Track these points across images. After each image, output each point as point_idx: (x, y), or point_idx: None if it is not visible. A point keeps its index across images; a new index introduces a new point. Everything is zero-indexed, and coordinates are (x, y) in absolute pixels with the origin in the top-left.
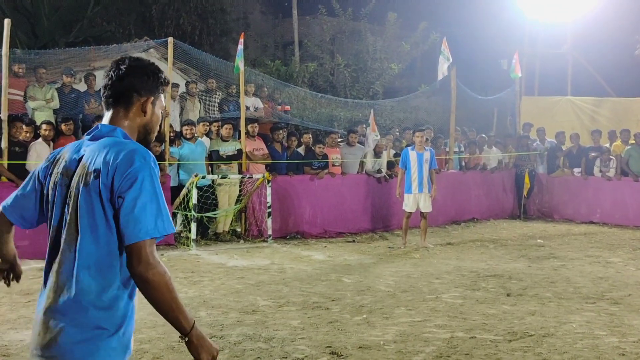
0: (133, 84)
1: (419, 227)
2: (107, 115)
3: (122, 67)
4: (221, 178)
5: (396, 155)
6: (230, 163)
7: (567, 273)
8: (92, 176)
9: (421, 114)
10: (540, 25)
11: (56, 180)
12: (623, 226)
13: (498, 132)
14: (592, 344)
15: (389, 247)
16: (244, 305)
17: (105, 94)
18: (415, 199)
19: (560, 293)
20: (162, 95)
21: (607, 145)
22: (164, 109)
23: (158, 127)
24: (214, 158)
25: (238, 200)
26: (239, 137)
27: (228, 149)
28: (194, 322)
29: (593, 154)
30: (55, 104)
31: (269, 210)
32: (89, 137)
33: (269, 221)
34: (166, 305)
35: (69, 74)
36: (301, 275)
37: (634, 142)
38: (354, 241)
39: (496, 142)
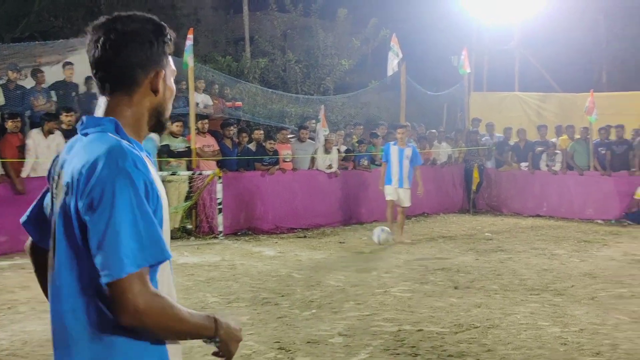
0: (133, 58)
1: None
2: (102, 103)
3: (113, 35)
4: (170, 175)
5: (347, 151)
6: (180, 159)
7: (513, 265)
8: (63, 191)
9: (372, 109)
10: (488, 22)
11: (50, 188)
12: (568, 219)
13: (448, 127)
14: (536, 334)
15: (340, 242)
16: (192, 302)
17: (96, 76)
18: (395, 191)
19: (506, 285)
20: (170, 58)
21: (554, 140)
22: (174, 72)
23: (172, 101)
24: (164, 153)
25: (188, 197)
26: (189, 134)
27: (179, 145)
28: (215, 318)
29: (540, 149)
30: (0, 100)
31: (220, 206)
32: (81, 131)
33: (220, 218)
34: (179, 334)
35: (14, 69)
36: (251, 272)
37: (579, 136)
38: (305, 237)
39: (446, 137)
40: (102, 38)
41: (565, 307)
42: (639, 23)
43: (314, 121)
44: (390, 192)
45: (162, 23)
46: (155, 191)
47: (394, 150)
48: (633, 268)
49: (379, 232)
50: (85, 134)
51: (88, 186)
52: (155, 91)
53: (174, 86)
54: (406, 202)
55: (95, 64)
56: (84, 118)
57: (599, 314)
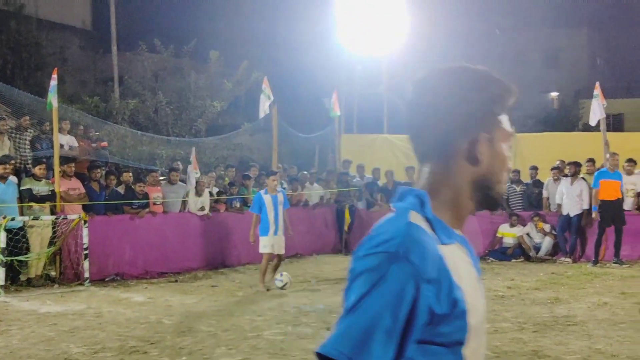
0: (445, 120)
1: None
2: (423, 172)
3: (420, 92)
4: (33, 219)
5: (219, 193)
6: (44, 204)
7: None
8: None
9: (245, 151)
10: (358, 66)
11: None
12: None
13: (319, 168)
14: None
15: (213, 286)
16: (55, 354)
17: (410, 140)
18: (272, 241)
19: None
20: (504, 118)
21: None
22: (510, 136)
23: (507, 167)
24: (26, 198)
25: (52, 243)
26: (53, 176)
27: (42, 188)
28: None
29: None
30: None
31: (86, 252)
32: (392, 204)
33: (86, 263)
34: None
35: None
36: (119, 319)
37: None
38: (176, 281)
39: (318, 178)
40: (410, 96)
41: None
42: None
43: (179, 163)
44: (267, 243)
45: (489, 74)
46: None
47: (267, 198)
48: (496, 303)
49: (281, 278)
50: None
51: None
52: (474, 160)
53: (506, 153)
54: (283, 249)
55: (407, 127)
56: (399, 188)
57: None
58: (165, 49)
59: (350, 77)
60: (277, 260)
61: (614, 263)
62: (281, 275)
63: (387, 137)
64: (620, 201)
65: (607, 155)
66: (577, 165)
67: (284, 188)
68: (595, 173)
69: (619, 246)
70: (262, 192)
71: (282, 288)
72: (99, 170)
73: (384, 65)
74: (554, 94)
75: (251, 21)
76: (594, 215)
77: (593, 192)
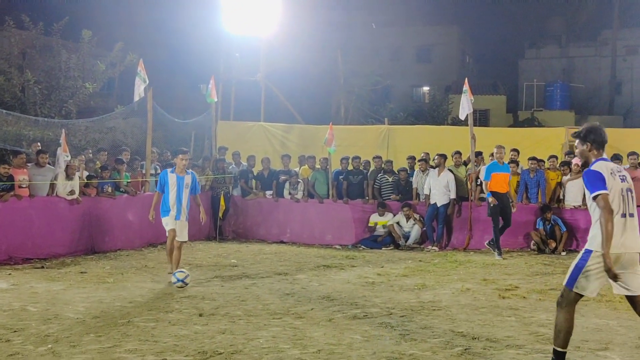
0: None
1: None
2: None
3: None
4: None
5: (90, 177)
6: None
7: (257, 291)
8: None
9: (118, 135)
10: (236, 53)
11: None
12: (310, 245)
13: (195, 155)
14: (277, 357)
15: (82, 272)
16: None
17: None
18: (173, 223)
19: (250, 310)
20: None
21: (296, 169)
22: None
23: None
24: None
25: None
26: None
27: None
28: None
29: (283, 177)
30: None
31: None
32: None
33: None
34: None
35: None
36: None
37: (319, 166)
38: (42, 267)
39: (193, 164)
40: None
41: (305, 330)
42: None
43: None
44: (168, 222)
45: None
46: None
47: (172, 178)
48: (366, 290)
49: (181, 278)
50: None
51: None
52: None
53: None
54: (185, 236)
55: None
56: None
57: (335, 334)
58: (34, 25)
59: (228, 64)
60: (177, 252)
61: (487, 244)
62: (182, 275)
63: (263, 125)
64: (508, 194)
65: (495, 149)
66: (443, 157)
67: (158, 173)
68: (487, 165)
69: (498, 235)
70: (168, 170)
71: (177, 285)
72: None
73: (262, 53)
74: (426, 89)
75: (127, 1)
76: (490, 200)
77: (484, 183)
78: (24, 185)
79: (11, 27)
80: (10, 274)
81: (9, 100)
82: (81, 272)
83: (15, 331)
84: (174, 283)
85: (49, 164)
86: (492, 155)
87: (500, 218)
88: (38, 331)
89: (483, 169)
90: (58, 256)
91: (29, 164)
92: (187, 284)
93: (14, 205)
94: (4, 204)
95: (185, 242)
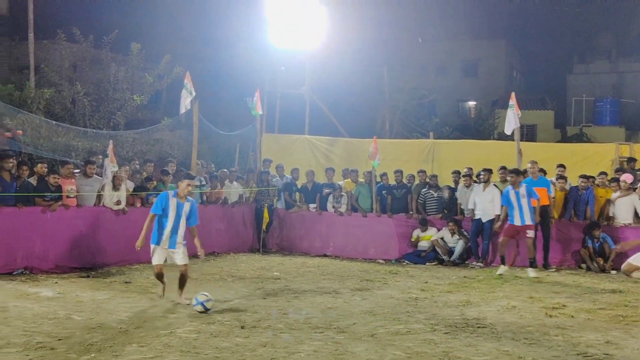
0: None
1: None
2: None
3: None
4: None
5: (137, 188)
6: None
7: (299, 304)
8: None
9: (164, 146)
10: (281, 66)
11: None
12: (353, 259)
13: (240, 167)
14: None
15: (126, 282)
16: None
17: None
18: (164, 253)
19: (292, 324)
20: None
21: (340, 182)
22: None
23: None
24: None
25: None
26: None
27: None
28: None
29: (327, 191)
30: None
31: None
32: None
33: None
34: None
35: None
36: (26, 314)
37: (362, 180)
38: (88, 276)
39: (237, 177)
40: None
41: (347, 345)
42: (417, 76)
43: (100, 156)
44: (160, 253)
45: None
46: None
47: (172, 202)
48: (409, 305)
49: (202, 300)
50: None
51: None
52: None
53: None
54: (186, 259)
55: None
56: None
57: (377, 350)
58: (84, 38)
59: (273, 77)
60: (182, 277)
61: (543, 267)
62: (204, 298)
63: (307, 138)
64: (547, 207)
65: (529, 165)
66: (489, 172)
67: (204, 185)
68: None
69: (547, 251)
70: (170, 193)
71: (197, 309)
72: (11, 160)
73: (307, 67)
74: (472, 103)
75: (175, 15)
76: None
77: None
78: (71, 195)
79: (62, 40)
80: (56, 283)
81: (59, 112)
82: (125, 282)
83: (59, 339)
84: (194, 306)
85: (96, 174)
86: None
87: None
88: (82, 340)
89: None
90: (103, 266)
91: (76, 174)
92: (208, 309)
93: (61, 214)
94: (52, 213)
95: (187, 264)
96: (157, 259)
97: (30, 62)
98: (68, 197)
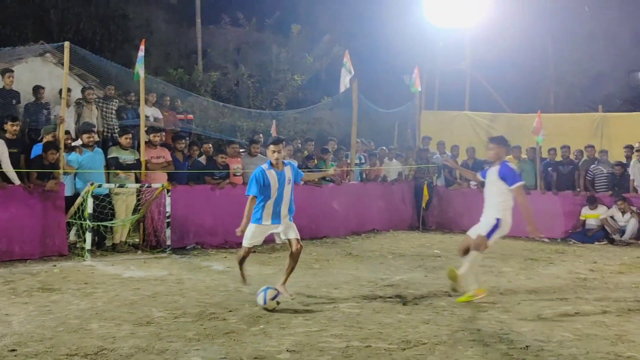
0: None
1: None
2: None
3: None
4: (118, 187)
5: (299, 166)
6: (129, 172)
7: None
8: None
9: (324, 125)
10: (440, 42)
11: None
12: (516, 237)
13: (399, 144)
14: (482, 351)
15: None
16: (138, 317)
17: None
18: (261, 234)
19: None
20: None
21: None
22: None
23: None
24: (112, 166)
25: (136, 210)
26: (139, 146)
27: (127, 157)
28: None
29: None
30: None
31: (168, 220)
32: None
33: (168, 231)
34: None
35: None
36: (199, 286)
37: (525, 156)
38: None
39: (397, 154)
40: None
41: (512, 324)
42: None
43: (261, 135)
44: (259, 232)
45: None
46: None
47: (271, 175)
48: (577, 286)
49: (264, 294)
50: None
51: None
52: None
53: None
54: (297, 234)
55: None
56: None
57: (544, 331)
58: (247, 22)
59: (432, 53)
60: (289, 260)
61: None
62: (273, 293)
63: (467, 114)
64: None
65: None
66: None
67: (363, 162)
68: None
69: None
70: (264, 166)
71: (263, 306)
72: (183, 140)
73: (467, 41)
74: None
75: None
76: None
77: None
78: (238, 174)
79: (227, 24)
80: (225, 257)
81: (224, 94)
82: None
83: (230, 311)
84: (260, 304)
85: (260, 153)
86: None
87: None
88: (251, 312)
89: None
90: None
91: (242, 153)
92: (270, 309)
93: (229, 192)
94: (221, 191)
95: (298, 243)
96: (248, 241)
97: (198, 47)
98: (235, 175)
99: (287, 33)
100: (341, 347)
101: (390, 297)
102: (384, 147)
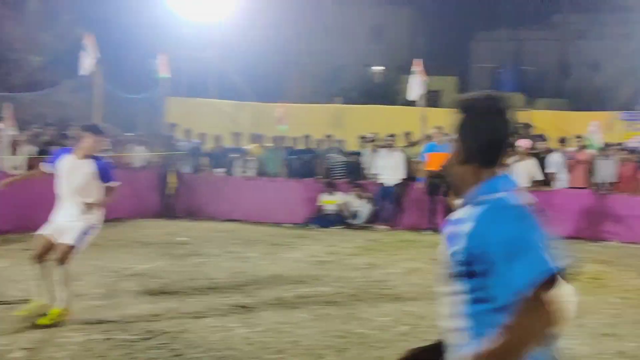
0: None
1: None
2: None
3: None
4: None
5: (42, 152)
6: None
7: (207, 269)
8: None
9: (66, 109)
10: (187, 28)
11: None
12: (260, 223)
13: (144, 131)
14: (225, 336)
15: (24, 250)
16: None
17: None
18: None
19: (199, 289)
20: None
21: (248, 147)
22: None
23: None
24: None
25: None
26: None
27: None
28: None
29: (234, 155)
30: None
31: None
32: None
33: None
34: None
35: None
36: None
37: (271, 144)
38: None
39: (142, 141)
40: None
41: (254, 308)
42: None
43: None
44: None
45: None
46: None
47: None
48: (316, 269)
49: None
50: None
51: None
52: None
53: None
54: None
55: None
56: None
57: (284, 313)
58: None
59: (177, 41)
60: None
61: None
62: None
63: (214, 102)
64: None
65: (434, 130)
66: (394, 137)
67: (108, 149)
68: (424, 147)
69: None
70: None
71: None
72: None
73: (213, 31)
74: (378, 68)
75: None
76: (420, 186)
77: (420, 165)
78: None
79: None
80: None
81: None
82: (24, 250)
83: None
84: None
85: None
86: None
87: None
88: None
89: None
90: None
91: None
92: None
93: None
94: None
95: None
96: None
97: None
98: None
99: (21, 9)
100: (80, 341)
101: (133, 287)
102: (130, 133)
